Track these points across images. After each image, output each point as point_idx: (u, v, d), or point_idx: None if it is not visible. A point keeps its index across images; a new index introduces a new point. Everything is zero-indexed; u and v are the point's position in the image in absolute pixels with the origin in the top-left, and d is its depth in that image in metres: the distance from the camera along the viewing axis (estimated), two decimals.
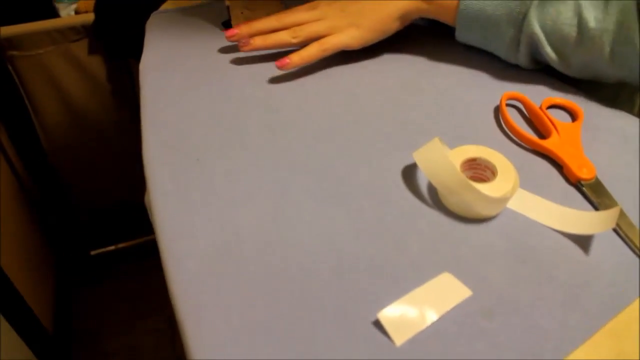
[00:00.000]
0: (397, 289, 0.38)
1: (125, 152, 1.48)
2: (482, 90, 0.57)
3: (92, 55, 1.28)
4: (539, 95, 0.56)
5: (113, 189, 1.56)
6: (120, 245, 1.67)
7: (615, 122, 0.53)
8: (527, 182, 0.46)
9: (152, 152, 0.50)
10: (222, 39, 0.65)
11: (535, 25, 0.54)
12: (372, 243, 0.42)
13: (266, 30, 0.60)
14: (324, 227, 0.43)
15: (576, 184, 0.47)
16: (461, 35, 0.59)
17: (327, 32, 0.59)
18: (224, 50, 0.63)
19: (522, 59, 0.57)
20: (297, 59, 0.58)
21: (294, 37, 0.59)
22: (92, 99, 1.34)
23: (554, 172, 0.49)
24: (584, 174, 0.47)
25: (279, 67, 0.58)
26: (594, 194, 0.46)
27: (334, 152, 0.49)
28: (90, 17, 1.21)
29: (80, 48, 1.26)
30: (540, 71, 0.59)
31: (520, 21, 0.55)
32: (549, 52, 0.55)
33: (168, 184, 0.46)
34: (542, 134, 0.52)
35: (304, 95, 0.56)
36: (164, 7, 0.71)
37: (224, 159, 0.48)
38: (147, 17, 1.21)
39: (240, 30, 0.59)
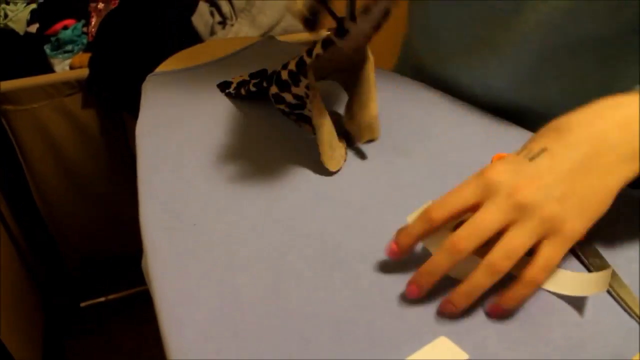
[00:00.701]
0: (396, 354, 0.39)
1: (117, 204, 1.48)
2: (472, 151, 0.58)
3: (86, 109, 1.29)
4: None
5: (103, 241, 1.55)
6: (111, 297, 1.65)
7: None
8: None
9: (149, 216, 0.50)
10: (217, 101, 0.66)
11: None
12: (370, 309, 0.42)
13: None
14: (322, 295, 0.43)
15: None
16: None
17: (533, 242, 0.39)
18: (220, 112, 0.64)
19: None
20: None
21: (492, 275, 0.39)
22: (85, 152, 1.35)
23: None
24: None
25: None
26: (585, 254, 0.47)
27: (331, 217, 0.50)
28: (84, 72, 1.23)
29: (74, 102, 1.27)
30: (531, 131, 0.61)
31: None
32: None
33: (166, 250, 0.47)
34: None
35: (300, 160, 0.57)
36: (160, 68, 0.73)
37: (221, 224, 0.49)
38: (143, 72, 1.24)
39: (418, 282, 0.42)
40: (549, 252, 0.39)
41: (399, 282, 0.44)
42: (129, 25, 1.24)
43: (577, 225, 0.39)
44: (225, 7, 1.39)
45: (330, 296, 0.43)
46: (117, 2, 1.29)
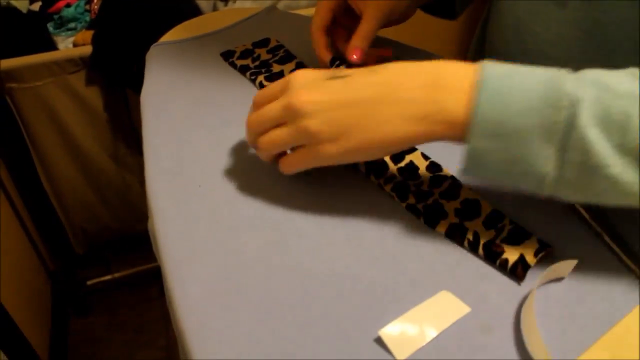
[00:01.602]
0: (398, 308, 0.39)
1: (122, 182, 1.49)
2: None
3: (90, 86, 1.30)
4: None
5: (109, 219, 1.56)
6: (117, 275, 1.67)
7: None
8: None
9: (154, 179, 0.51)
10: (221, 69, 0.66)
11: (590, 129, 0.37)
12: (372, 264, 0.43)
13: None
14: (325, 251, 0.44)
15: None
16: (471, 167, 0.41)
17: (292, 144, 0.46)
18: (224, 80, 0.65)
19: (563, 188, 0.39)
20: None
21: (264, 151, 0.48)
22: (89, 129, 1.36)
23: None
24: None
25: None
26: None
27: (336, 177, 0.51)
28: (87, 49, 1.23)
29: (78, 80, 1.28)
30: None
31: (562, 130, 0.37)
32: (622, 175, 0.37)
33: (171, 211, 0.47)
34: None
35: None
36: (163, 39, 0.73)
37: (226, 185, 0.50)
38: (146, 48, 1.24)
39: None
40: (296, 157, 0.46)
41: (402, 239, 0.45)
42: (132, 2, 1.24)
43: (330, 150, 0.43)
44: None
45: (332, 252, 0.44)
46: None
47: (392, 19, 0.61)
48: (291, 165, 0.47)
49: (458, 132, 0.41)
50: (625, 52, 0.52)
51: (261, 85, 0.63)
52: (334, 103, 0.43)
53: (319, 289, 0.41)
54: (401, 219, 0.47)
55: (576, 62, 0.55)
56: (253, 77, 0.64)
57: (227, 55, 0.68)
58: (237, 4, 1.37)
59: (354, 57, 0.58)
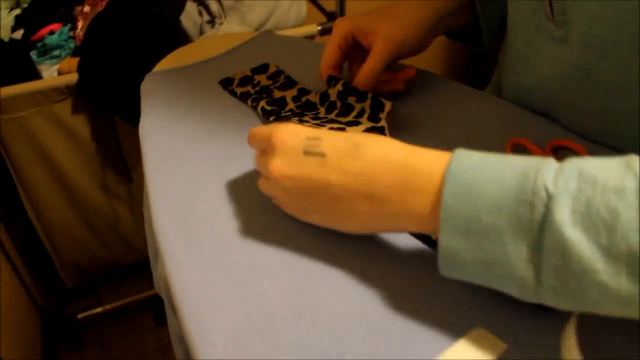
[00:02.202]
0: (431, 349, 0.37)
1: (112, 212, 1.45)
2: (484, 138, 0.57)
3: (76, 115, 1.26)
4: (542, 140, 0.56)
5: (99, 250, 1.52)
6: (108, 307, 1.62)
7: None
8: None
9: (162, 219, 0.48)
10: (220, 98, 0.64)
11: (568, 228, 0.32)
12: (399, 302, 0.41)
13: None
14: (350, 290, 0.42)
15: None
16: (446, 266, 0.38)
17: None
18: (225, 110, 0.62)
19: (548, 295, 0.34)
20: None
21: None
22: (77, 159, 1.32)
23: None
24: None
25: None
26: None
27: None
28: (73, 77, 1.20)
29: (64, 108, 1.24)
30: (543, 116, 0.59)
31: (537, 229, 0.33)
32: (615, 282, 0.31)
33: (184, 255, 0.44)
34: None
35: None
36: (157, 67, 0.71)
37: (237, 223, 0.47)
38: (133, 74, 1.21)
39: None
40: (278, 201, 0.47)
41: (431, 276, 0.43)
42: (117, 28, 1.22)
43: (296, 214, 0.46)
44: (214, 6, 1.37)
45: (359, 294, 0.41)
46: (103, 4, 1.26)
47: (402, 54, 0.60)
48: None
49: (429, 229, 0.39)
50: (623, 96, 0.50)
51: (263, 110, 0.60)
52: (304, 183, 0.43)
53: (349, 332, 0.39)
54: (428, 253, 0.44)
55: (572, 99, 0.54)
56: (254, 104, 0.61)
57: (226, 83, 0.66)
58: (224, 26, 1.35)
59: (360, 87, 0.58)
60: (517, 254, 0.33)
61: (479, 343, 0.39)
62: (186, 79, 0.67)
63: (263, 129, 0.46)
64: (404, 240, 0.45)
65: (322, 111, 0.59)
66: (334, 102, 0.58)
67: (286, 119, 0.58)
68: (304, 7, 1.44)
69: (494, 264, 0.35)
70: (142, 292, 1.60)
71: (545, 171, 0.34)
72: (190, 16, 1.36)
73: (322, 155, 0.42)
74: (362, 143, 0.42)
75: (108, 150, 1.34)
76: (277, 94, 0.63)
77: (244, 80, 0.65)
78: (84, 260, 1.53)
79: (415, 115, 0.60)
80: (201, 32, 1.39)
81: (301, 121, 0.56)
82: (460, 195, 0.35)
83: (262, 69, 0.67)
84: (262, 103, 0.61)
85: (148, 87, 0.67)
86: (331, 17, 1.42)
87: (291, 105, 0.61)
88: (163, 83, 0.67)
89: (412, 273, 0.43)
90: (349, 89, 0.57)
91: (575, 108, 0.55)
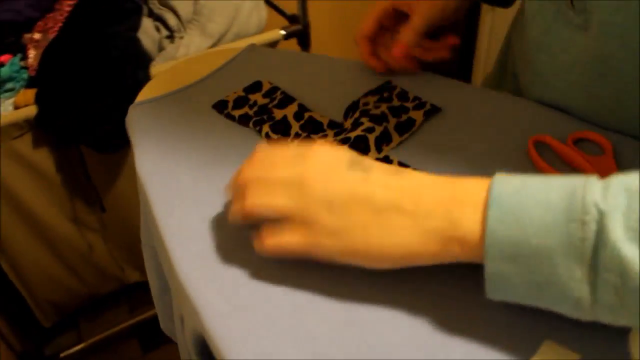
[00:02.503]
0: None
1: (85, 243, 1.39)
2: (506, 138, 0.56)
3: (38, 149, 1.19)
4: (562, 134, 0.55)
5: (76, 285, 1.45)
6: (90, 341, 1.55)
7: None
8: None
9: (186, 268, 0.45)
10: (218, 123, 0.60)
11: (624, 245, 0.31)
12: (457, 330, 0.39)
13: None
14: (402, 323, 0.39)
15: None
16: (494, 290, 0.37)
17: None
18: (225, 134, 0.59)
19: (605, 312, 0.34)
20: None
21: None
22: (44, 195, 1.25)
23: None
24: None
25: None
26: None
27: None
28: (31, 110, 1.13)
29: (24, 144, 1.17)
30: (557, 106, 0.58)
31: (590, 247, 0.32)
32: None
33: (222, 306, 0.41)
34: (577, 171, 0.51)
35: None
36: (141, 97, 0.66)
37: (271, 264, 0.44)
38: (95, 99, 1.15)
39: None
40: (286, 238, 0.41)
41: (479, 298, 0.41)
42: (74, 53, 1.15)
43: (327, 243, 0.40)
44: (172, 20, 1.31)
45: (415, 325, 0.39)
46: (55, 30, 1.19)
47: (443, 18, 0.59)
48: (275, 247, 0.41)
49: (474, 254, 0.36)
50: (629, 95, 0.50)
51: (267, 137, 0.57)
52: (347, 196, 0.39)
53: None
54: (471, 275, 0.42)
55: (590, 87, 0.54)
56: (258, 128, 0.58)
57: (221, 107, 0.62)
58: (185, 40, 1.31)
59: (397, 51, 0.58)
60: (570, 274, 0.33)
61: (552, 356, 0.37)
62: (176, 106, 0.63)
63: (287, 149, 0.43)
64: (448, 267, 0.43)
65: (330, 135, 0.56)
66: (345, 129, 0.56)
67: None
68: (263, 13, 1.40)
69: (546, 286, 0.34)
70: (123, 321, 1.54)
71: (592, 188, 0.33)
72: (147, 33, 1.30)
73: (367, 169, 0.40)
74: (403, 169, 0.40)
75: (76, 181, 1.28)
76: (277, 113, 0.60)
77: (239, 102, 0.62)
78: (60, 297, 1.45)
79: (431, 121, 0.58)
80: (160, 48, 1.33)
81: None
82: (506, 221, 0.34)
83: (256, 87, 0.64)
84: (266, 129, 0.58)
85: (135, 120, 0.62)
86: (293, 20, 1.39)
87: (295, 126, 0.58)
88: (151, 113, 0.62)
89: (461, 297, 0.41)
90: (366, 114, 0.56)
91: (593, 97, 0.54)
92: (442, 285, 0.42)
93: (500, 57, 0.74)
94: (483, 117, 0.58)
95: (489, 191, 0.36)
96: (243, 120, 0.60)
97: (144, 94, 0.67)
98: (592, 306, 0.33)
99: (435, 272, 0.42)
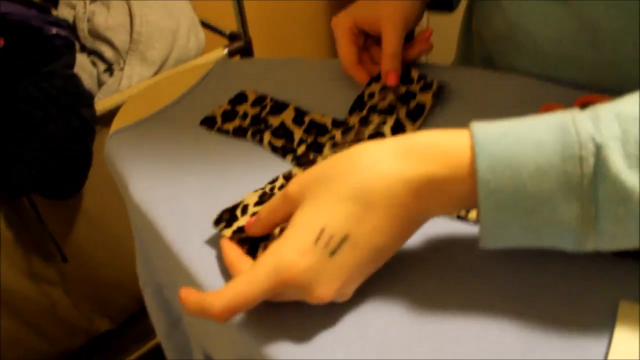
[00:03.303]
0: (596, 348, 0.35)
1: (47, 298, 1.29)
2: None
3: None
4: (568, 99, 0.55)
5: (43, 345, 1.36)
6: None
7: None
8: None
9: None
10: (208, 139, 0.57)
11: (626, 174, 0.31)
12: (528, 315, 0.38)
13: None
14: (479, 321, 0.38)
15: None
16: (490, 240, 0.36)
17: None
18: (218, 149, 0.56)
19: (606, 241, 0.34)
20: None
21: None
22: None
23: None
24: None
25: None
26: None
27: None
28: None
29: None
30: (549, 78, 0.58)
31: (589, 183, 0.32)
32: None
33: (269, 326, 0.38)
34: None
35: None
36: (117, 124, 0.62)
37: None
38: (40, 145, 1.08)
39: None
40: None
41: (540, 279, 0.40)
42: (10, 100, 1.07)
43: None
44: (108, 52, 1.26)
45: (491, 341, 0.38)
46: None
47: (410, 25, 0.59)
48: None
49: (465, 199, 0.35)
50: (623, 56, 0.51)
51: (271, 145, 0.55)
52: (354, 273, 0.37)
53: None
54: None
55: (580, 58, 0.55)
56: (259, 139, 0.56)
57: (210, 123, 0.59)
58: (126, 70, 1.25)
59: (391, 81, 0.56)
60: (570, 213, 0.32)
61: (634, 317, 0.37)
62: (159, 129, 0.60)
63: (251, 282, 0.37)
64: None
65: (337, 135, 0.54)
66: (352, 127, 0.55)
67: (307, 160, 0.52)
68: (201, 34, 1.37)
69: (545, 227, 0.34)
70: None
71: (583, 122, 0.32)
72: (84, 69, 1.25)
73: (344, 240, 0.36)
74: (366, 194, 0.36)
75: (31, 232, 1.19)
76: (274, 120, 0.57)
77: (228, 115, 0.59)
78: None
79: (438, 103, 0.57)
80: (99, 82, 1.28)
81: (318, 152, 0.52)
82: (498, 169, 0.33)
83: (241, 98, 0.61)
84: (268, 137, 0.55)
85: (116, 150, 0.58)
86: (233, 37, 1.36)
87: (298, 132, 0.55)
88: (133, 140, 0.58)
89: (507, 279, 0.40)
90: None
91: (587, 65, 0.55)
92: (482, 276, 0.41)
93: (462, 46, 0.74)
94: (486, 96, 0.58)
95: (472, 139, 0.34)
96: (239, 133, 0.57)
97: (118, 123, 0.62)
98: (594, 239, 0.33)
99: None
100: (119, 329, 1.47)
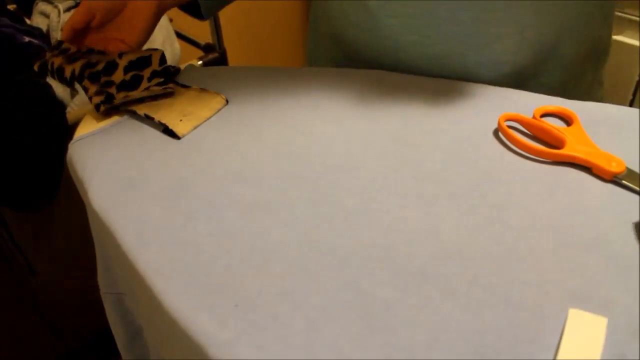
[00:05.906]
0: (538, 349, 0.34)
1: (16, 322, 1.26)
2: (473, 121, 0.56)
3: None
4: (527, 110, 0.56)
5: None
6: None
7: (601, 114, 0.55)
8: (565, 192, 0.47)
9: (177, 303, 0.40)
10: (174, 146, 0.57)
11: None
12: (490, 306, 0.38)
13: None
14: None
15: (612, 179, 0.47)
16: None
17: None
18: (182, 156, 0.55)
19: None
20: None
21: None
22: None
23: (584, 175, 0.49)
24: (615, 168, 0.47)
25: None
26: (633, 182, 0.46)
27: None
28: None
29: None
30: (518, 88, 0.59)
31: None
32: None
33: (225, 332, 0.37)
34: (552, 144, 0.52)
35: (311, 189, 0.51)
36: (80, 131, 0.61)
37: (267, 287, 0.41)
38: (9, 156, 1.06)
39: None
40: None
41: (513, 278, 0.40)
42: None
43: None
44: None
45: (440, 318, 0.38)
46: None
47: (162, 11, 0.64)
48: None
49: None
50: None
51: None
52: None
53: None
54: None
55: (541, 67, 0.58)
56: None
57: (171, 131, 0.58)
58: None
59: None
60: None
61: (582, 323, 0.37)
62: (124, 134, 0.59)
63: None
64: None
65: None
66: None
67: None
68: (177, 46, 1.37)
69: None
70: None
71: None
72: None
73: None
74: None
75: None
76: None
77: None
78: None
79: (397, 114, 0.58)
80: (72, 92, 1.26)
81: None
82: None
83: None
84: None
85: (78, 156, 0.57)
86: (208, 49, 1.36)
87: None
88: (96, 146, 0.57)
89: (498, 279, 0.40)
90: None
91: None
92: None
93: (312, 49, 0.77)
94: (436, 104, 0.59)
95: None
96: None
97: (83, 129, 0.61)
98: None
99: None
100: (92, 344, 1.43)
